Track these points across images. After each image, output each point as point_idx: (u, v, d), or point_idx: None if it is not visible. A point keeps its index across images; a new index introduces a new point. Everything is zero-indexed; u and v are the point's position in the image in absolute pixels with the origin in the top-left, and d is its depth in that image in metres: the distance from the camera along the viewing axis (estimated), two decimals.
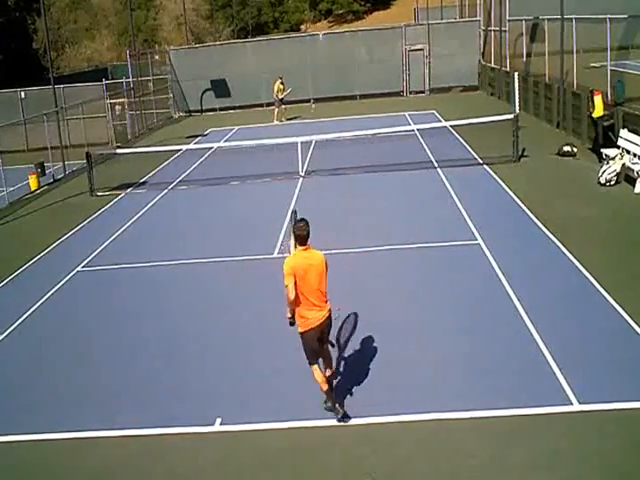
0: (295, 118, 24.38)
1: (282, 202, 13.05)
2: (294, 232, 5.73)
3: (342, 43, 28.76)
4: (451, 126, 17.46)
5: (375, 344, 7.18)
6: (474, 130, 16.38)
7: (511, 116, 14.76)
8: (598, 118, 14.00)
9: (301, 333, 5.77)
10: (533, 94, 19.82)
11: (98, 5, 50.05)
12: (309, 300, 5.64)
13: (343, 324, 7.25)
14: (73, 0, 47.95)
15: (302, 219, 5.71)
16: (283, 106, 24.06)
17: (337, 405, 5.83)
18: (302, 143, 15.73)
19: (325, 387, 5.83)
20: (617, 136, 13.16)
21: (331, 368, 6.03)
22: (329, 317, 5.80)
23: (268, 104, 25.61)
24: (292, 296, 5.59)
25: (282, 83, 23.98)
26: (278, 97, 23.88)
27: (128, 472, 5.58)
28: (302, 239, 5.66)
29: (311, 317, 5.69)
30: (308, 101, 28.01)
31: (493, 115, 15.72)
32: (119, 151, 18.68)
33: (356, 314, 7.61)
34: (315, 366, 5.83)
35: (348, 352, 7.06)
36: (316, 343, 5.78)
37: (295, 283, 5.54)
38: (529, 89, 20.06)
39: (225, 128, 23.69)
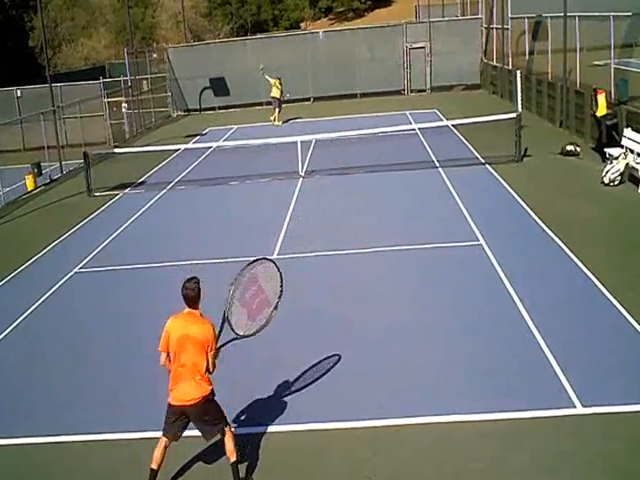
0: (297, 118, 24.23)
1: (282, 202, 13.02)
2: (181, 291, 4.92)
3: (342, 41, 28.61)
4: (453, 125, 17.36)
5: (376, 345, 7.14)
6: (476, 129, 16.27)
7: (513, 115, 14.68)
8: (601, 117, 13.93)
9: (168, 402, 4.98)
10: (536, 93, 19.69)
11: (95, 3, 49.86)
12: (178, 370, 4.87)
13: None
14: None
15: (193, 277, 4.97)
16: (277, 109, 23.67)
17: None
18: (302, 142, 15.62)
19: (153, 465, 4.94)
20: (621, 135, 13.05)
21: (229, 449, 5.00)
22: (202, 405, 4.84)
23: (267, 102, 25.42)
24: (161, 362, 4.94)
25: (281, 84, 23.61)
26: (277, 97, 23.57)
27: (130, 475, 5.51)
28: (189, 300, 4.88)
29: (175, 391, 4.91)
30: (308, 100, 27.88)
31: (495, 114, 15.67)
32: (117, 151, 18.50)
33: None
34: (164, 439, 4.99)
35: (349, 353, 7.00)
36: (175, 424, 4.94)
37: (168, 346, 4.88)
38: (532, 88, 19.94)
39: (224, 127, 23.56)
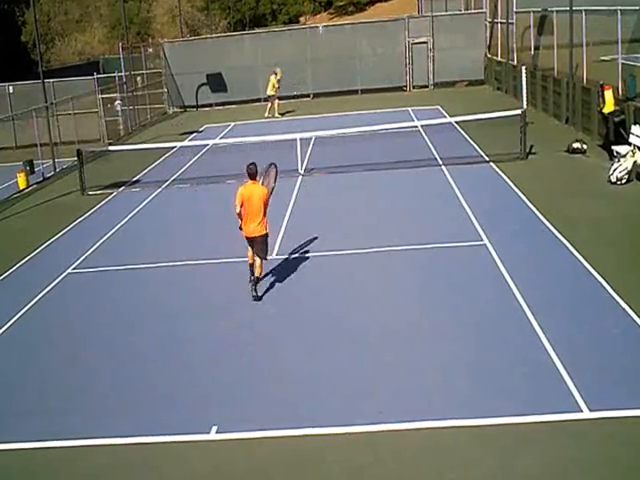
0: (291, 112, 23.99)
1: (280, 201, 12.73)
2: (247, 171, 8.22)
3: (343, 36, 28.27)
4: (456, 122, 17.12)
5: (377, 349, 7.06)
6: (480, 126, 16.11)
7: (518, 112, 14.48)
8: (609, 114, 13.75)
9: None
10: (541, 89, 19.49)
11: None
12: (248, 217, 8.19)
13: None
14: None
15: (252, 162, 8.28)
16: (277, 101, 23.66)
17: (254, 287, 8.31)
18: (301, 140, 15.39)
19: (250, 260, 8.45)
20: (628, 132, 12.83)
21: (259, 268, 8.41)
22: (262, 236, 8.25)
23: (266, 99, 25.16)
24: (237, 211, 8.22)
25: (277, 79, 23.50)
26: (273, 93, 23.46)
27: None
28: (250, 175, 8.21)
29: (246, 228, 8.26)
30: (308, 96, 27.60)
31: (500, 110, 15.50)
32: (111, 148, 18.37)
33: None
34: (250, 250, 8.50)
35: (348, 356, 6.94)
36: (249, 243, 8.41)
37: (242, 205, 8.12)
38: (537, 83, 19.75)
39: (221, 124, 23.34)
